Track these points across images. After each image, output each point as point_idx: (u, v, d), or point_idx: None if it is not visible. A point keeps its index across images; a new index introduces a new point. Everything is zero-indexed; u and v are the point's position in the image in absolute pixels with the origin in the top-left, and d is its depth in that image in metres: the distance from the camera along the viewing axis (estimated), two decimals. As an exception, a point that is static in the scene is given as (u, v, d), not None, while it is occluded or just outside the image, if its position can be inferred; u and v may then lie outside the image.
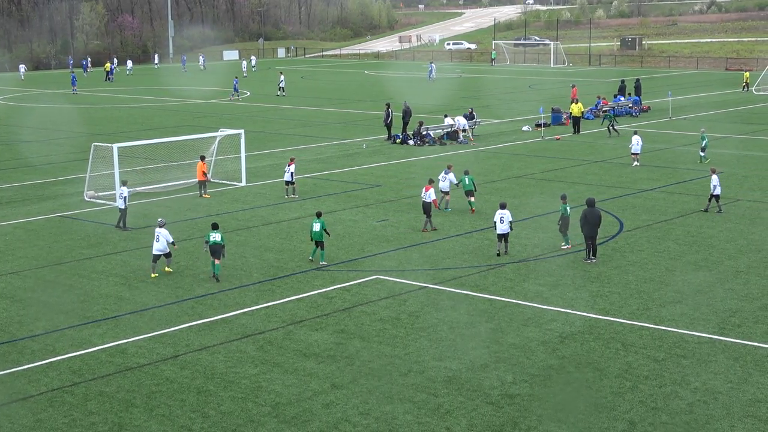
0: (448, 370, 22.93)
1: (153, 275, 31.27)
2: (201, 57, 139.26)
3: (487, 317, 26.92)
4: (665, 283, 29.95)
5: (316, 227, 32.29)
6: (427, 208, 37.01)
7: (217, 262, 30.83)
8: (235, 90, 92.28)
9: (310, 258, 32.97)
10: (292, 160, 44.23)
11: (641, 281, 30.21)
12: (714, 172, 39.90)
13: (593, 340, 24.96)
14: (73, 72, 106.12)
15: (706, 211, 39.40)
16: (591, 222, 31.82)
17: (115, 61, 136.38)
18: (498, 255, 33.47)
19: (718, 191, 39.45)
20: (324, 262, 32.47)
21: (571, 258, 32.88)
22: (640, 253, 33.62)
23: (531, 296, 28.75)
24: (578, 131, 63.48)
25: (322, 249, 32.57)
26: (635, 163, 50.58)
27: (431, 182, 37.83)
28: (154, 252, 31.35)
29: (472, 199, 40.07)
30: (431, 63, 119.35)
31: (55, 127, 71.91)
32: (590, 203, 32.16)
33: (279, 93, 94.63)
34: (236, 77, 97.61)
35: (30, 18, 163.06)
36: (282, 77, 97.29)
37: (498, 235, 33.68)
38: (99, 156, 45.34)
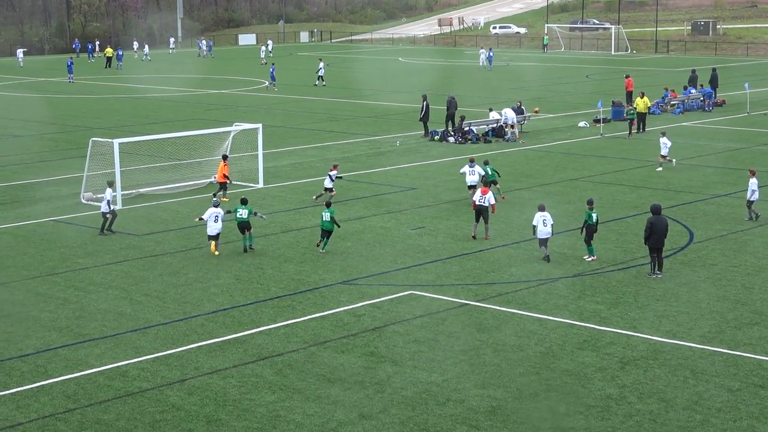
0: (491, 399, 22.91)
1: (216, 253, 35.44)
2: (199, 42, 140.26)
3: (537, 339, 26.87)
4: (742, 303, 29.80)
5: (326, 217, 35.01)
6: (482, 211, 36.96)
7: (250, 232, 35.70)
8: (273, 78, 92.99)
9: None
10: (335, 166, 44.15)
11: (714, 300, 30.07)
12: (753, 174, 39.28)
13: (658, 366, 24.87)
14: (71, 58, 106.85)
15: (748, 219, 39.35)
16: (659, 232, 31.68)
17: (135, 44, 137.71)
18: (548, 261, 34.02)
19: (755, 197, 38.95)
20: (323, 251, 35.31)
21: (633, 273, 32.79)
22: (713, 267, 33.46)
23: (587, 316, 28.68)
24: (644, 129, 62.78)
25: (327, 239, 35.44)
26: (659, 168, 50.05)
27: (487, 184, 38.38)
28: (209, 233, 35.66)
29: (498, 186, 42.22)
30: (490, 50, 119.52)
31: (48, 120, 72.50)
32: (656, 210, 32.01)
33: (318, 83, 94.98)
34: (274, 64, 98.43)
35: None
36: (321, 64, 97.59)
37: (540, 240, 34.23)
38: (98, 153, 45.61)
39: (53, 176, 50.12)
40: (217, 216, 35.42)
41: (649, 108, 64.54)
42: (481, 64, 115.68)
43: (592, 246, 34.29)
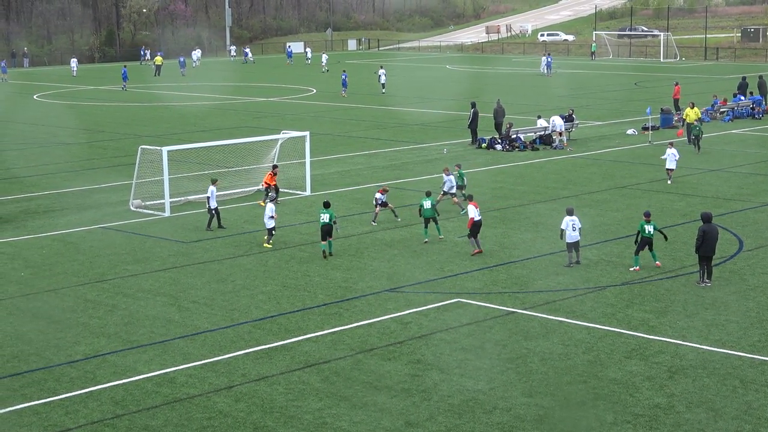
0: (539, 408, 22.82)
1: (266, 245, 37.38)
2: (245, 50, 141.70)
3: (585, 348, 26.75)
4: (792, 312, 29.54)
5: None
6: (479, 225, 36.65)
7: (330, 239, 35.95)
8: (344, 85, 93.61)
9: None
10: (385, 190, 42.07)
11: (763, 309, 29.80)
12: None
13: (707, 375, 24.68)
14: (125, 66, 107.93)
15: None
16: (710, 240, 31.39)
17: (198, 52, 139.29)
18: (569, 266, 34.25)
19: None
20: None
21: (682, 281, 32.56)
22: (763, 276, 33.17)
23: (635, 324, 28.51)
24: (695, 141, 60.08)
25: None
26: (669, 180, 48.50)
27: (472, 198, 37.63)
28: (267, 227, 37.59)
29: (463, 192, 42.62)
30: (549, 55, 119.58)
31: (98, 127, 73.06)
32: (708, 218, 31.73)
33: (384, 91, 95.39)
34: (344, 70, 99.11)
35: (71, 6, 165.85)
36: (382, 71, 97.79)
37: (568, 244, 34.37)
38: (146, 160, 45.93)
39: (102, 184, 50.47)
40: (271, 210, 37.52)
41: (699, 118, 62.25)
42: (541, 70, 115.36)
43: (639, 257, 34.03)
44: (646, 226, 33.68)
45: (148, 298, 31.64)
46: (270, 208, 37.74)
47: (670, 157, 48.49)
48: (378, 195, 41.31)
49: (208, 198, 40.35)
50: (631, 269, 33.90)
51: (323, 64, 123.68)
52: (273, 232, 37.71)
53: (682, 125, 61.62)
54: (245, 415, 22.62)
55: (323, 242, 35.86)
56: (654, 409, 22.73)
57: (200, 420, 22.40)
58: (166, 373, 25.24)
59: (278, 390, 24.05)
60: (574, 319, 29.03)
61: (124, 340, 27.74)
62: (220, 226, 40.33)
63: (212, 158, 51.90)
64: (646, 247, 33.79)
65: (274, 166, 45.45)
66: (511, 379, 24.58)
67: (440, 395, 23.61)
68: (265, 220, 37.54)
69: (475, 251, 36.23)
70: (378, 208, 41.01)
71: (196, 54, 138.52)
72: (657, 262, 34.14)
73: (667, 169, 48.58)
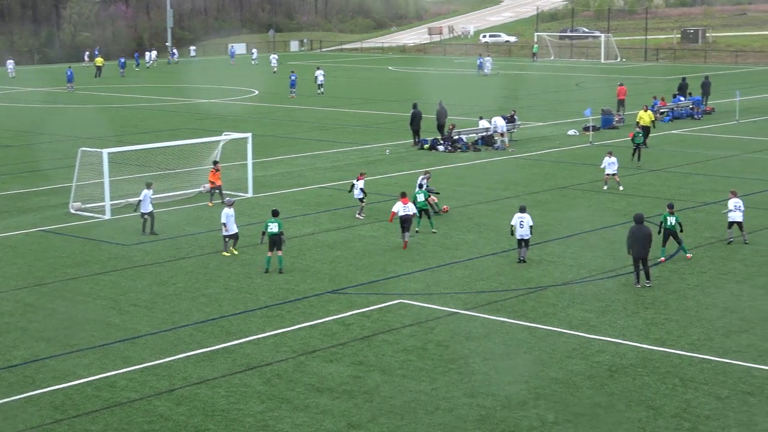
0: (480, 408, 22.90)
1: (224, 254, 36.20)
2: (172, 50, 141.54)
3: (526, 348, 26.87)
4: (730, 310, 29.83)
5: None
6: (406, 222, 37.26)
7: (279, 253, 34.08)
8: (293, 86, 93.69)
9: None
10: (361, 174, 43.40)
11: (702, 307, 30.10)
12: (735, 195, 37.92)
13: (647, 374, 24.88)
14: (70, 67, 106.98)
15: (730, 241, 37.62)
16: (640, 241, 31.61)
17: (154, 53, 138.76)
18: (519, 262, 34.80)
19: (737, 218, 37.25)
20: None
21: (622, 281, 32.81)
22: (702, 275, 33.50)
23: (576, 324, 28.69)
24: (645, 143, 58.96)
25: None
26: (605, 186, 47.67)
27: (405, 194, 38.00)
28: (223, 234, 36.35)
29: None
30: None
31: (38, 129, 72.38)
32: (638, 220, 32.03)
33: (319, 91, 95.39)
34: (293, 71, 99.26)
35: (10, 7, 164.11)
36: (320, 72, 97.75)
37: (518, 240, 34.92)
38: (87, 162, 45.56)
39: (42, 186, 50.01)
40: (227, 216, 36.16)
41: (653, 121, 62.03)
42: (486, 71, 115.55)
43: (666, 248, 35.04)
44: (668, 218, 34.37)
45: (88, 301, 31.39)
46: (226, 213, 36.34)
47: (610, 164, 47.52)
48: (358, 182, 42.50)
49: (140, 201, 39.69)
50: (659, 260, 34.53)
51: (274, 65, 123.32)
52: (236, 237, 36.65)
53: (636, 126, 61.26)
54: (186, 419, 22.50)
55: (269, 254, 34.27)
56: (595, 408, 22.88)
57: (141, 424, 22.25)
58: (106, 377, 25.05)
59: (220, 393, 23.95)
60: (515, 319, 29.16)
61: (64, 344, 27.49)
62: (152, 231, 39.70)
63: (153, 160, 51.55)
64: (670, 238, 34.62)
65: (215, 162, 45.40)
66: (453, 379, 24.64)
67: (383, 396, 23.62)
68: (222, 226, 36.58)
69: (405, 244, 37.21)
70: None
71: (152, 54, 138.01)
72: (688, 255, 35.13)
73: (607, 174, 47.71)
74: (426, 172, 43.43)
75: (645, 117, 60.81)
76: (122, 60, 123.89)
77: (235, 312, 30.09)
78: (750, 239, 37.69)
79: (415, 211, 37.76)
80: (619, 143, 61.91)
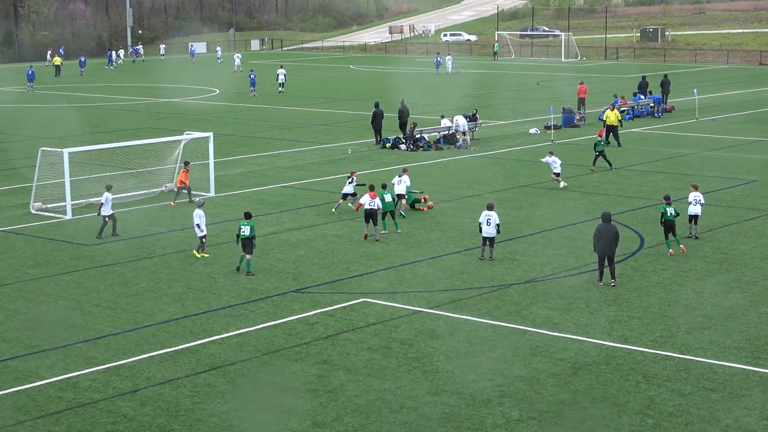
0: (445, 406, 22.94)
1: (199, 255, 35.77)
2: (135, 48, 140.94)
3: (490, 346, 26.94)
4: (692, 307, 30.02)
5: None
6: (371, 216, 37.94)
7: (248, 257, 33.62)
8: (253, 84, 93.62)
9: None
10: (352, 173, 43.61)
11: (665, 305, 30.27)
12: (696, 188, 38.23)
13: (610, 371, 25.00)
14: (31, 66, 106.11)
15: (689, 235, 37.90)
16: (606, 239, 31.73)
17: (122, 52, 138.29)
18: (482, 259, 34.99)
19: (696, 211, 37.52)
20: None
21: (585, 278, 32.95)
22: (664, 272, 33.70)
23: (540, 322, 28.79)
24: (618, 142, 59.99)
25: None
26: (562, 184, 47.63)
27: (373, 188, 38.67)
28: (198, 235, 35.95)
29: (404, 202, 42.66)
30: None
31: (-3, 129, 71.88)
32: (606, 218, 32.14)
33: (281, 90, 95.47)
34: (252, 70, 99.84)
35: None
36: (281, 71, 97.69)
37: (483, 238, 35.07)
38: (47, 162, 45.29)
39: (2, 186, 49.67)
40: (201, 216, 35.80)
41: (620, 120, 62.07)
42: (448, 70, 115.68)
43: (670, 240, 35.47)
44: (668, 209, 34.87)
45: (50, 302, 31.20)
46: (198, 214, 35.88)
47: (553, 163, 47.41)
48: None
49: (102, 205, 39.24)
50: (670, 253, 35.33)
51: (237, 64, 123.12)
52: (204, 239, 36.18)
53: (603, 126, 61.33)
54: (150, 419, 22.42)
55: (243, 253, 33.96)
56: (559, 405, 22.97)
57: (105, 425, 22.14)
58: (69, 377, 24.91)
59: (184, 393, 23.88)
60: (479, 317, 29.22)
61: (26, 344, 27.31)
62: (113, 233, 39.37)
63: (114, 160, 51.29)
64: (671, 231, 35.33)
65: (186, 163, 45.36)
66: (417, 377, 24.67)
67: (347, 395, 23.62)
68: (195, 228, 36.11)
69: (365, 236, 37.94)
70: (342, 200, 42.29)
71: (119, 53, 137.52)
72: (681, 246, 35.51)
73: (554, 174, 47.68)
74: (404, 170, 43.65)
75: (612, 116, 60.77)
76: (83, 59, 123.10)
77: (198, 312, 30.00)
78: (710, 236, 37.97)
79: (380, 206, 38.07)
80: (580, 141, 62.24)
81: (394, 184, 42.39)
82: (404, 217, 41.17)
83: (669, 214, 34.97)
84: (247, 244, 33.73)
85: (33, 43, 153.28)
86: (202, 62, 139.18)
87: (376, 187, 39.58)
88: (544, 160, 48.05)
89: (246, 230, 33.72)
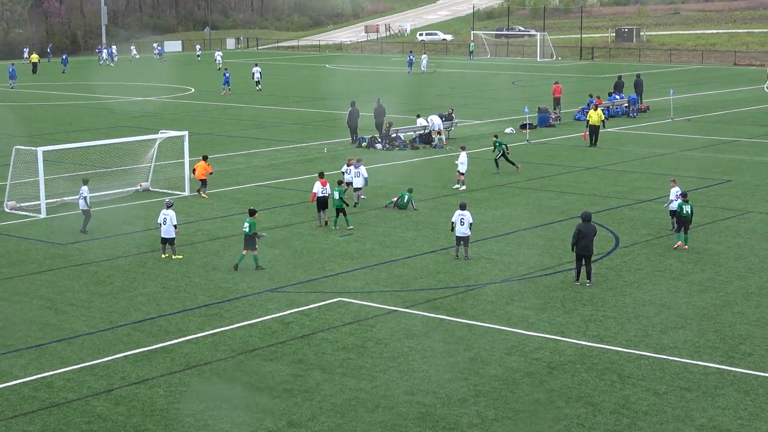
0: (420, 406, 22.95)
1: (163, 255, 35.48)
2: (100, 49, 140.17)
3: (465, 345, 26.97)
4: (667, 306, 30.13)
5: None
6: (323, 203, 39.65)
7: (254, 252, 33.94)
8: (227, 83, 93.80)
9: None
10: (359, 159, 45.14)
11: (640, 304, 30.38)
12: (675, 183, 38.89)
13: (585, 370, 25.07)
14: (12, 64, 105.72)
15: (672, 229, 38.41)
16: (586, 239, 31.73)
17: (114, 48, 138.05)
18: (456, 258, 35.19)
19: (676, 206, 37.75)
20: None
21: (560, 278, 33.03)
22: (639, 272, 33.81)
23: (515, 321, 28.84)
24: (595, 143, 60.28)
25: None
26: (462, 186, 47.51)
27: (323, 175, 40.95)
28: (162, 236, 35.47)
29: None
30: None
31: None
32: (586, 218, 32.12)
33: (258, 88, 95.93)
34: (227, 69, 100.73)
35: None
36: (257, 69, 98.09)
37: (457, 237, 35.23)
38: (21, 161, 45.10)
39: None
40: (165, 218, 35.35)
41: (602, 121, 62.06)
42: (423, 69, 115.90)
43: (681, 234, 36.26)
44: (684, 207, 35.66)
45: (24, 301, 31.07)
46: (169, 215, 35.46)
47: (461, 163, 47.27)
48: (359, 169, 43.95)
49: (85, 198, 39.40)
50: (675, 246, 36.30)
51: (218, 62, 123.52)
52: (173, 241, 35.69)
53: (586, 127, 61.47)
54: (125, 419, 22.36)
55: (244, 252, 34.11)
56: (534, 405, 23.02)
57: (79, 424, 22.07)
58: (43, 377, 24.82)
59: (158, 392, 23.82)
60: (454, 316, 29.26)
61: (0, 344, 27.19)
62: (83, 229, 39.40)
63: (89, 159, 51.16)
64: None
65: (205, 157, 47.05)
66: (393, 377, 24.68)
67: (323, 395, 23.61)
68: (162, 229, 35.49)
69: (325, 223, 39.58)
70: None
71: (110, 50, 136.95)
72: (686, 246, 36.11)
73: (459, 172, 47.53)
74: (358, 159, 44.82)
75: (594, 116, 60.91)
76: (65, 56, 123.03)
77: (173, 311, 29.93)
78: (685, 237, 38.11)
79: (330, 192, 39.59)
80: (554, 141, 62.41)
81: (352, 177, 43.77)
82: (356, 205, 43.21)
83: (685, 212, 35.80)
84: (249, 240, 33.93)
85: (7, 42, 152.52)
86: (178, 60, 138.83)
87: (332, 183, 40.56)
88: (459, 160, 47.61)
89: (246, 227, 33.97)
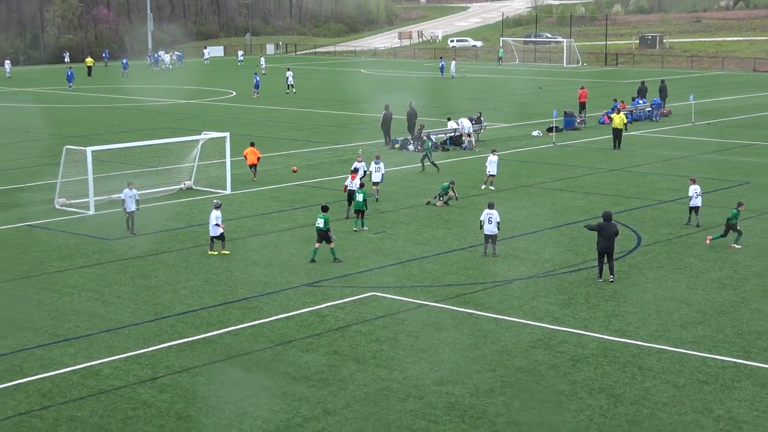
0: (449, 396, 23.02)
1: (210, 252, 35.76)
2: (156, 54, 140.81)
3: (493, 338, 27.01)
4: (686, 303, 30.06)
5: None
6: (353, 195, 40.10)
7: (330, 245, 34.49)
8: (257, 87, 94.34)
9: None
10: (377, 156, 46.27)
11: (660, 300, 30.32)
12: (694, 182, 39.63)
13: (608, 363, 25.06)
14: (71, 68, 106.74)
15: (688, 224, 39.71)
16: (606, 236, 31.78)
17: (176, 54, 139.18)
18: (484, 255, 35.14)
19: (697, 203, 39.39)
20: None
21: (584, 275, 33.00)
22: (660, 270, 33.73)
23: (540, 316, 28.85)
24: (619, 146, 59.98)
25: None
26: (491, 187, 47.52)
27: (356, 171, 42.32)
28: (210, 234, 35.79)
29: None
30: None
31: (23, 128, 72.01)
32: (607, 217, 32.15)
33: (288, 91, 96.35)
34: (256, 73, 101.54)
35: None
36: (289, 73, 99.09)
37: (485, 235, 35.22)
38: (71, 160, 45.43)
39: (28, 183, 49.80)
40: (217, 217, 35.61)
41: (625, 124, 61.98)
42: (453, 74, 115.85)
43: (722, 236, 36.61)
44: (733, 211, 36.44)
45: (74, 293, 31.32)
46: (215, 215, 35.60)
47: (491, 163, 47.36)
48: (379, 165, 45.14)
49: (123, 201, 39.09)
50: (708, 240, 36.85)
51: (263, 66, 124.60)
52: (223, 237, 35.74)
53: (609, 120, 61.41)
54: (169, 405, 22.53)
55: (317, 245, 34.59)
56: (558, 396, 23.04)
57: (125, 410, 22.26)
58: (91, 365, 25.03)
59: (200, 381, 23.98)
60: (482, 311, 29.29)
61: (50, 334, 27.44)
62: (129, 228, 39.28)
63: (135, 158, 51.46)
64: (730, 231, 36.39)
65: (252, 143, 49.54)
66: (423, 368, 24.74)
67: (356, 384, 23.71)
68: (210, 227, 35.74)
69: (346, 217, 40.54)
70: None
71: (171, 55, 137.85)
72: (737, 245, 36.49)
73: (489, 175, 47.60)
74: (377, 156, 45.89)
75: (617, 120, 60.76)
76: (125, 61, 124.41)
77: (214, 304, 30.10)
78: (703, 236, 37.93)
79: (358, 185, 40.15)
80: (579, 144, 62.28)
81: (371, 172, 44.66)
82: (377, 200, 44.05)
83: (731, 219, 36.33)
84: (323, 235, 34.42)
85: (57, 46, 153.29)
86: (221, 65, 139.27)
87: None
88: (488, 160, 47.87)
89: (320, 223, 34.38)
